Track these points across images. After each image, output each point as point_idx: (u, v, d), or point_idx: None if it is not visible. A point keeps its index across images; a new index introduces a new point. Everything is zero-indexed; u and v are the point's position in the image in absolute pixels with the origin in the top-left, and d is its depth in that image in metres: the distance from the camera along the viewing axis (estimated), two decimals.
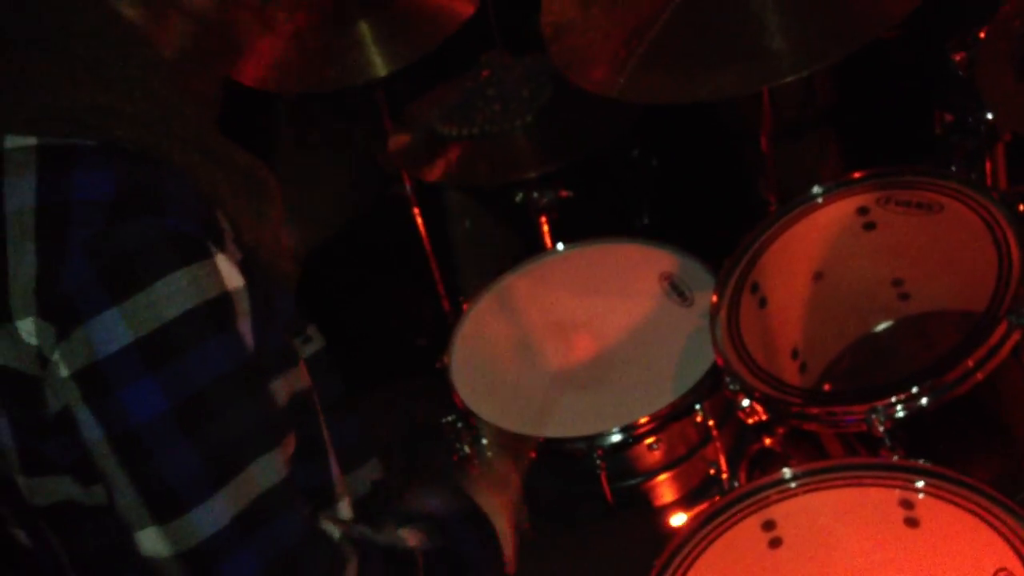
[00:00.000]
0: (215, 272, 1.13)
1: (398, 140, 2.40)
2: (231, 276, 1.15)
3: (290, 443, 1.22)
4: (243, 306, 1.16)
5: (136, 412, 1.10)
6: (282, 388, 1.27)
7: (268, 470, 1.16)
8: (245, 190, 1.24)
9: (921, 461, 1.47)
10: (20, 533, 1.32)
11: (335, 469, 1.40)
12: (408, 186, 2.55)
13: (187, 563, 1.13)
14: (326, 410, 1.40)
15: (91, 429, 1.11)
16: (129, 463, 1.11)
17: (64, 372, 1.10)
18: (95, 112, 1.14)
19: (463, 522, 1.44)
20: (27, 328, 1.11)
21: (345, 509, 1.40)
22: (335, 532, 1.25)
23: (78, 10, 1.15)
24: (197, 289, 1.11)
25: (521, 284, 2.13)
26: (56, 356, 1.10)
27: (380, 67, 2.16)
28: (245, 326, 1.16)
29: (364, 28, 2.19)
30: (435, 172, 2.27)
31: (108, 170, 1.12)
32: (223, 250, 1.15)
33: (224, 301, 1.14)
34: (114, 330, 1.08)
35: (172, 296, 1.09)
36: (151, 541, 1.13)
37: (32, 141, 1.14)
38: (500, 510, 1.50)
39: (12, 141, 1.15)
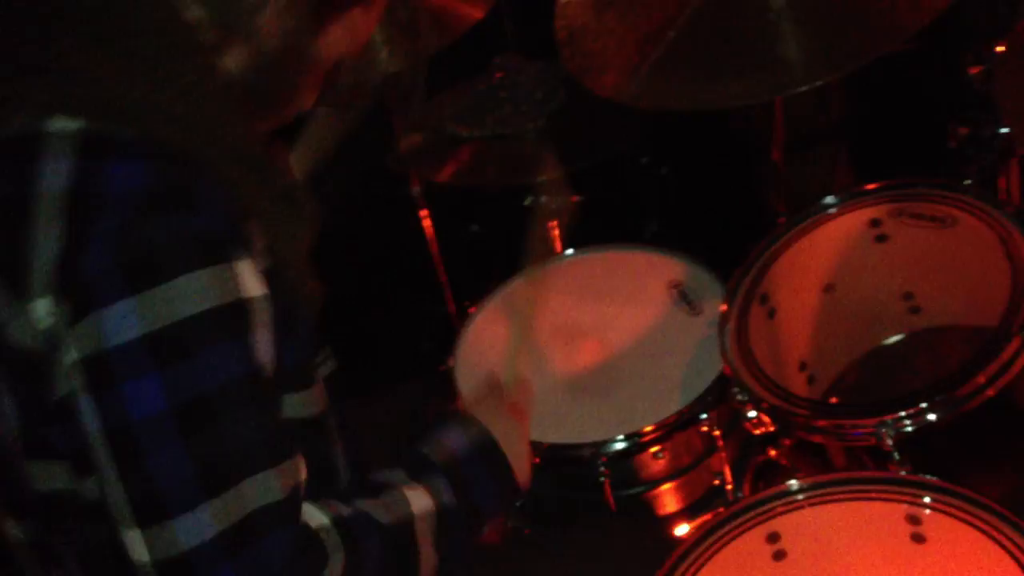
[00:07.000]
0: (238, 277, 1.11)
1: (409, 141, 2.39)
2: (254, 284, 1.13)
3: (295, 466, 1.18)
4: (262, 316, 1.14)
5: (135, 408, 1.08)
6: (295, 408, 1.25)
7: (264, 489, 1.12)
8: (282, 210, 1.23)
9: (929, 477, 1.45)
10: (13, 525, 1.29)
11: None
12: (416, 188, 2.55)
13: (164, 574, 1.10)
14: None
15: (90, 418, 1.10)
16: (120, 459, 1.09)
17: (72, 357, 1.09)
18: (141, 107, 1.13)
19: (477, 461, 1.40)
20: (43, 309, 1.10)
21: None
22: (325, 519, 1.21)
23: (144, 7, 1.15)
24: (217, 291, 1.09)
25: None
26: (67, 340, 1.09)
27: (388, 64, 2.15)
28: (262, 337, 1.14)
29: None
30: (445, 173, 2.26)
31: (145, 163, 1.12)
32: (250, 257, 1.13)
33: (243, 307, 1.12)
34: (126, 321, 1.07)
35: (190, 295, 1.08)
36: (134, 545, 1.11)
37: (76, 125, 1.14)
38: (514, 431, 1.46)
39: (57, 123, 1.14)
